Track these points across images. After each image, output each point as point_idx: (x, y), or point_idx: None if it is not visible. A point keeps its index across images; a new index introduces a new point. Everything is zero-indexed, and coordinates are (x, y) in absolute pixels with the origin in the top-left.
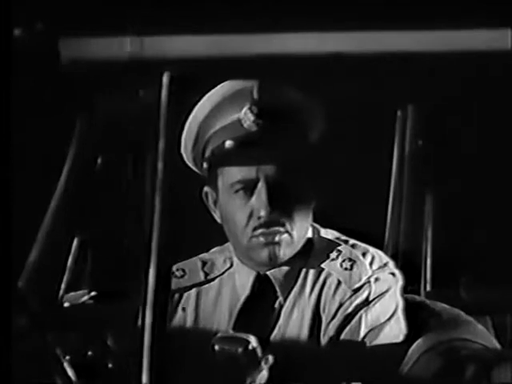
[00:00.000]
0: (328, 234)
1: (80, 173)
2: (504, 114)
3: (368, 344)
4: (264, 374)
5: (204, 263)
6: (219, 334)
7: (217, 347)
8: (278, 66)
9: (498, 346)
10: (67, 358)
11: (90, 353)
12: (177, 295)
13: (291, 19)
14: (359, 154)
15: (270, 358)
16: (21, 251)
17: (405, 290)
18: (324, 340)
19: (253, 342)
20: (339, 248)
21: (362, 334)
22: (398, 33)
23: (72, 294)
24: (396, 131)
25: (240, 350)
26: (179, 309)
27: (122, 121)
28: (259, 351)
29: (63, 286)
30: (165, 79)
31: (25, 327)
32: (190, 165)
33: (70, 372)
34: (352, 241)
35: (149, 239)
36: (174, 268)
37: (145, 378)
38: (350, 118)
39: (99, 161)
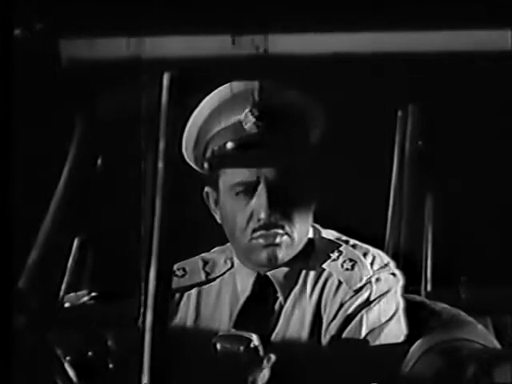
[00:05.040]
0: (329, 234)
1: (80, 173)
2: (504, 114)
3: (369, 344)
4: (266, 372)
5: (205, 263)
6: (221, 332)
7: (218, 345)
8: (279, 67)
9: (498, 345)
10: (68, 358)
11: (90, 353)
12: (177, 295)
13: (292, 19)
14: (360, 154)
15: (272, 356)
16: (21, 251)
17: (406, 290)
18: (325, 340)
19: (255, 340)
20: (340, 248)
21: (363, 334)
22: (398, 33)
23: (72, 294)
24: (396, 131)
25: (242, 348)
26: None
27: (122, 121)
28: (261, 349)
29: (64, 286)
30: (165, 79)
31: (25, 327)
32: (192, 164)
33: (71, 372)
34: (353, 241)
35: (149, 239)
36: (175, 267)
37: (145, 378)
38: (350, 118)
39: (99, 161)
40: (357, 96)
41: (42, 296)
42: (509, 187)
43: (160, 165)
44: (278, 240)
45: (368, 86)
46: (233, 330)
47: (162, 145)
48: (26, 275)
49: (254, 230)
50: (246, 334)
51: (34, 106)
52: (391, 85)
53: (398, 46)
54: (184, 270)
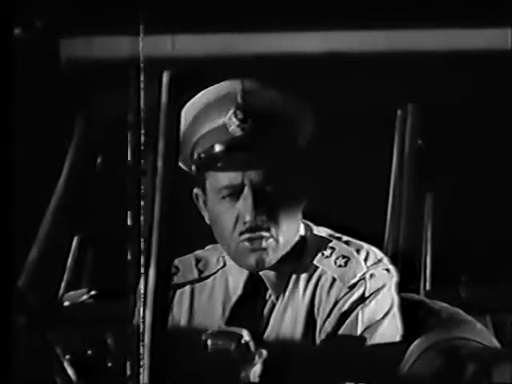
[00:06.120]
0: (321, 231)
1: (80, 172)
2: (504, 113)
3: (365, 342)
4: (257, 367)
5: (198, 261)
6: (211, 329)
7: (209, 342)
8: (278, 65)
9: (497, 344)
10: (67, 357)
11: (89, 352)
12: (170, 292)
13: (292, 19)
14: (359, 153)
15: (264, 351)
16: (21, 251)
17: (405, 289)
18: (320, 338)
19: (245, 335)
20: (333, 245)
21: (358, 331)
22: (398, 32)
23: (72, 293)
24: (396, 130)
25: (233, 344)
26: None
27: (122, 120)
28: (252, 345)
29: (63, 285)
30: (164, 78)
31: (25, 326)
32: (182, 165)
33: (70, 371)
34: (345, 238)
35: (149, 239)
36: None
37: (145, 377)
38: (350, 116)
39: (99, 161)
40: (356, 95)
41: (41, 295)
42: (509, 187)
43: (159, 164)
44: (264, 244)
45: (367, 86)
46: (223, 326)
47: (161, 144)
48: (25, 274)
49: (241, 233)
50: (236, 330)
51: (34, 105)
52: (391, 84)
53: (398, 46)
54: (177, 267)
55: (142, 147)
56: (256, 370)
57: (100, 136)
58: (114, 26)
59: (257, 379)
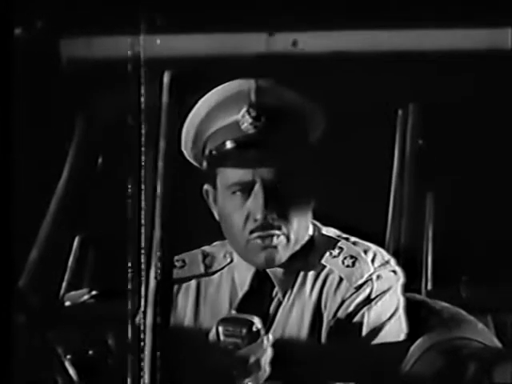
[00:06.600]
0: (329, 231)
1: (81, 173)
2: (504, 113)
3: (369, 343)
4: (269, 352)
5: (205, 256)
6: (222, 316)
7: (221, 328)
8: (279, 66)
9: (498, 344)
10: (68, 356)
11: (90, 352)
12: (176, 286)
13: (292, 18)
14: (360, 152)
15: (270, 336)
16: (21, 251)
17: (406, 289)
18: (325, 338)
19: (257, 323)
20: (341, 245)
21: (363, 333)
22: (398, 32)
23: (73, 293)
24: (397, 130)
25: (244, 330)
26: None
27: (122, 121)
28: (263, 333)
29: (64, 285)
30: (165, 78)
31: (26, 326)
32: (192, 161)
33: (71, 371)
34: (353, 238)
35: (150, 238)
36: (174, 258)
37: (146, 377)
38: (351, 116)
39: (100, 161)
40: (357, 95)
41: (42, 295)
42: (509, 187)
43: (160, 163)
44: (275, 242)
45: (368, 86)
46: (234, 313)
47: (162, 143)
48: (26, 274)
49: (251, 231)
50: (248, 317)
51: (34, 105)
52: (392, 84)
53: (398, 45)
54: (183, 261)
55: (143, 147)
56: (267, 356)
57: (100, 136)
58: (114, 26)
59: (267, 367)
